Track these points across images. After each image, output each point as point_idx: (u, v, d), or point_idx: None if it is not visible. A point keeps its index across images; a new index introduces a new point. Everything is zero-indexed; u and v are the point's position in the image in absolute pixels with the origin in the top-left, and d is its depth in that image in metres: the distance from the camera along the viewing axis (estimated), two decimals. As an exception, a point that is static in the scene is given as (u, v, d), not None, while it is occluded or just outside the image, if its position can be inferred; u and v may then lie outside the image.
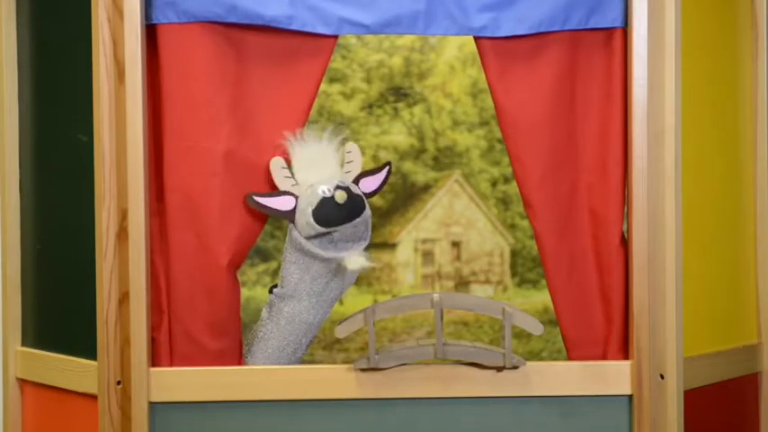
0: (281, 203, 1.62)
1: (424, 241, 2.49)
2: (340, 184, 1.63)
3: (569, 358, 1.66)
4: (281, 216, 1.63)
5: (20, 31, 1.82)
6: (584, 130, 1.66)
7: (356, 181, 1.66)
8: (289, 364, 1.67)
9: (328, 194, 1.62)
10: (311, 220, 1.61)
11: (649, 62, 1.58)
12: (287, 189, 1.63)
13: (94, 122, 1.59)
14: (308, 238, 1.63)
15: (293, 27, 1.59)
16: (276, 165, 1.62)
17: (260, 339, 1.67)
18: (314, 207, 1.61)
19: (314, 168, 1.64)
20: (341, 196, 1.62)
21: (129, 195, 1.57)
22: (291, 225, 1.64)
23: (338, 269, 1.65)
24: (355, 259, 1.63)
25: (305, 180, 1.63)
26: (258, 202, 1.61)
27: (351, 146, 1.67)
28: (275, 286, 1.69)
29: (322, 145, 1.65)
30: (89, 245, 1.61)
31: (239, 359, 1.67)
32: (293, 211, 1.62)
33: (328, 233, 1.63)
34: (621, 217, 1.64)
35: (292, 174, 1.63)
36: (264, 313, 1.69)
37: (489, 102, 1.99)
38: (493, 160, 2.44)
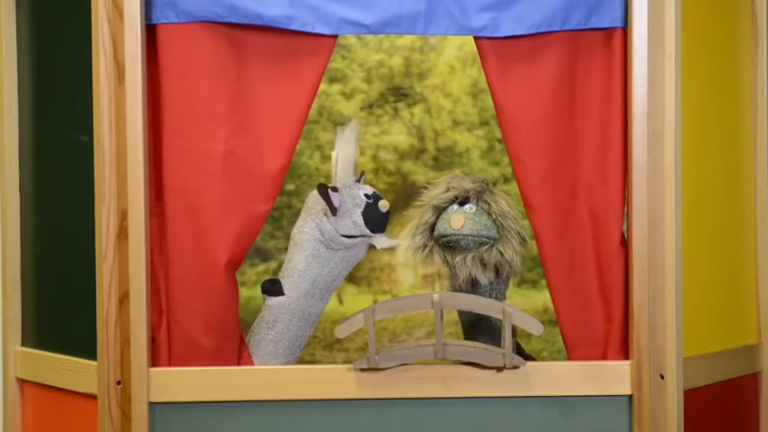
0: (336, 199, 1.66)
1: (425, 241, 2.48)
2: (377, 193, 1.70)
3: (569, 358, 1.66)
4: (332, 210, 1.65)
5: (20, 31, 1.82)
6: (584, 130, 1.66)
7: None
8: (295, 357, 1.70)
9: (371, 200, 1.65)
10: (360, 221, 1.66)
11: (649, 62, 1.58)
12: (335, 185, 1.68)
13: (94, 122, 1.59)
14: (343, 235, 1.66)
15: (293, 27, 1.59)
16: (333, 159, 1.67)
17: (269, 342, 1.68)
18: (362, 210, 1.67)
19: (350, 169, 1.70)
20: (385, 205, 1.69)
21: (129, 195, 1.57)
22: (324, 219, 1.66)
23: (349, 257, 1.69)
24: (384, 240, 1.70)
25: (343, 180, 1.68)
26: (327, 194, 1.64)
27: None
28: (271, 282, 1.69)
29: (352, 144, 1.69)
30: (89, 245, 1.61)
31: (237, 359, 1.67)
32: (338, 207, 1.66)
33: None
34: (621, 217, 1.64)
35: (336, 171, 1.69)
36: (269, 316, 1.68)
37: (489, 102, 1.99)
38: (493, 160, 2.44)
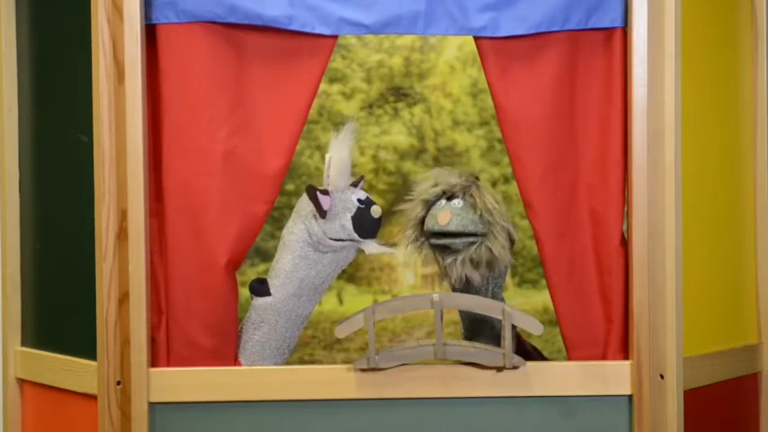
0: (325, 202, 1.65)
1: (424, 241, 2.48)
2: (370, 199, 1.68)
3: (569, 358, 1.66)
4: (321, 213, 1.64)
5: (19, 31, 1.82)
6: (584, 130, 1.66)
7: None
8: (283, 359, 1.68)
9: (363, 206, 1.64)
10: (349, 225, 1.65)
11: (649, 62, 1.58)
12: (326, 188, 1.66)
13: (94, 122, 1.59)
14: (331, 239, 1.65)
15: (293, 27, 1.59)
16: (326, 163, 1.65)
17: (256, 343, 1.67)
18: (353, 214, 1.65)
19: (344, 172, 1.68)
20: (377, 211, 1.67)
21: (129, 195, 1.57)
22: (313, 221, 1.65)
23: (338, 260, 1.68)
24: (374, 246, 1.68)
25: (336, 183, 1.66)
26: (315, 196, 1.63)
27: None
28: (259, 281, 1.68)
29: (347, 148, 1.68)
30: (89, 245, 1.61)
31: (236, 359, 1.67)
32: (327, 210, 1.65)
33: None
34: (621, 217, 1.64)
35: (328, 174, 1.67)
36: (256, 316, 1.68)
37: (489, 102, 1.99)
38: (493, 160, 2.44)
